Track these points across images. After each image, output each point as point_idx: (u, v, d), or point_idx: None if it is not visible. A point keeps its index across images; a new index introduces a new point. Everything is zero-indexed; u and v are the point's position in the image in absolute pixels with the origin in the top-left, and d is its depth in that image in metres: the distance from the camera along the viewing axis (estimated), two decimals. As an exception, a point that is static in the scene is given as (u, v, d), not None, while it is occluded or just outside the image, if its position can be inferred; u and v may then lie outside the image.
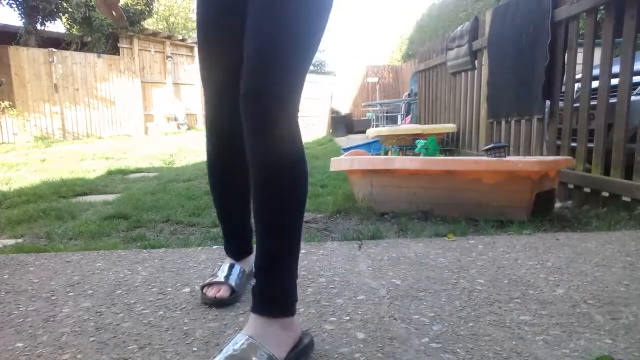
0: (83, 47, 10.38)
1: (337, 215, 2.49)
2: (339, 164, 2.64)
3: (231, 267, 1.32)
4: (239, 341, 0.90)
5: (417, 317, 1.15)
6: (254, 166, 0.92)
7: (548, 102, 2.99)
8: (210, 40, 1.16)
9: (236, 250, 1.36)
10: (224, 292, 1.26)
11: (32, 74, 9.16)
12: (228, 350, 0.88)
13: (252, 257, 1.37)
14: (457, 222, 2.19)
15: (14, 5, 9.42)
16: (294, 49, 0.90)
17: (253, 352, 0.88)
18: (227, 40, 1.12)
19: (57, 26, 11.04)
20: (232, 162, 1.24)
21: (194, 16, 18.58)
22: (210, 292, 1.26)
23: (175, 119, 11.65)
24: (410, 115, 7.71)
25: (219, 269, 1.32)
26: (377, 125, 8.71)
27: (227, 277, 1.29)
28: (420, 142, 4.55)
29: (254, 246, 1.07)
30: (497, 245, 1.77)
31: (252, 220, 1.01)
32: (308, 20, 0.92)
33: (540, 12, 2.96)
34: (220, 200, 1.33)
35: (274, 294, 0.94)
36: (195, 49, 12.48)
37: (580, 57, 2.67)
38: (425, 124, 5.94)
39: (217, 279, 1.28)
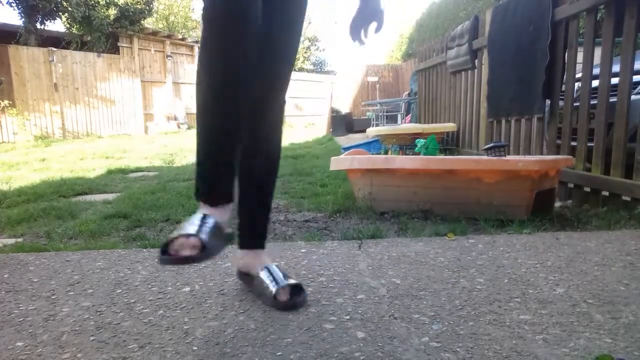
0: (83, 46, 10.38)
1: (337, 214, 2.49)
2: (339, 163, 2.64)
3: (204, 218, 1.02)
4: (276, 271, 1.27)
5: (417, 316, 1.15)
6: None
7: (548, 101, 2.99)
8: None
9: (216, 192, 1.07)
10: (190, 249, 0.94)
11: (32, 73, 9.16)
12: (281, 281, 1.23)
13: (229, 207, 1.10)
14: (457, 222, 2.18)
15: (14, 5, 9.41)
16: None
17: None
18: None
19: (57, 25, 11.08)
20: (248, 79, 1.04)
21: (193, 15, 18.62)
22: (172, 249, 0.95)
23: (175, 118, 11.65)
24: (410, 115, 7.71)
25: (187, 222, 1.01)
26: (377, 125, 8.71)
27: (198, 230, 0.98)
28: (420, 142, 4.56)
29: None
30: (497, 244, 1.77)
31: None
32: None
33: (541, 11, 2.95)
34: (220, 117, 1.04)
35: (265, 231, 1.35)
36: (195, 48, 12.53)
37: (580, 56, 2.67)
38: (425, 123, 5.94)
39: (183, 232, 0.97)
